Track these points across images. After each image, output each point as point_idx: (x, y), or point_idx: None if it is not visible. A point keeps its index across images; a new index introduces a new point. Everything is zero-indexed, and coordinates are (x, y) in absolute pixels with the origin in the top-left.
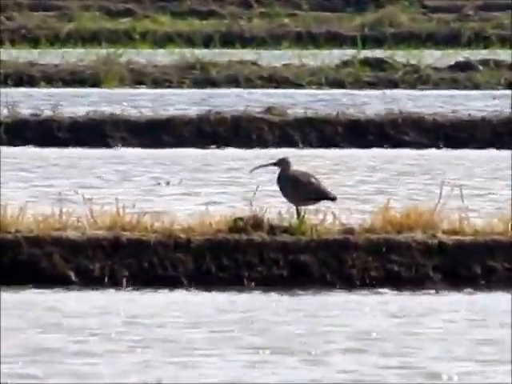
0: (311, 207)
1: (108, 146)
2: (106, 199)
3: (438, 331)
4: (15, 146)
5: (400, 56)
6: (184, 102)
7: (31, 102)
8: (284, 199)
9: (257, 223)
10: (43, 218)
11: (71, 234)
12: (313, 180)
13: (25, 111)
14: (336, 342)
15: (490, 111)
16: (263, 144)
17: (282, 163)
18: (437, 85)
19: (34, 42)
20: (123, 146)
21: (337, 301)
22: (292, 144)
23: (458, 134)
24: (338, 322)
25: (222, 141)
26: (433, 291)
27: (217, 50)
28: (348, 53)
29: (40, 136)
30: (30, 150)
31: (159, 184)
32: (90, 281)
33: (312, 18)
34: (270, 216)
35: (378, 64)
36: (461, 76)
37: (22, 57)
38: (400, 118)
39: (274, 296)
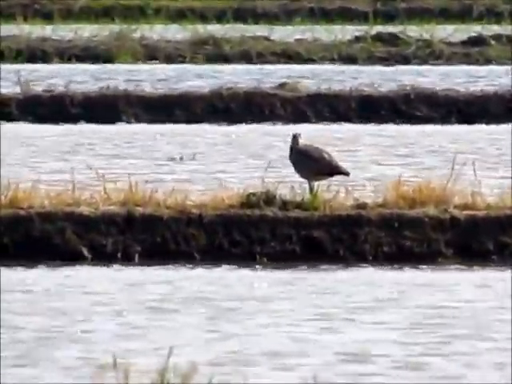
0: (324, 182)
1: (121, 121)
2: (120, 175)
3: None
4: (28, 121)
5: (412, 31)
6: (197, 78)
7: (44, 77)
8: (296, 174)
9: (269, 199)
10: (56, 193)
11: (84, 209)
12: (325, 155)
13: (37, 87)
14: None
15: (503, 86)
16: (276, 119)
17: (293, 139)
18: (449, 60)
19: (46, 18)
20: (136, 121)
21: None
22: (304, 119)
23: (471, 109)
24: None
25: (234, 116)
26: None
27: (229, 26)
28: (360, 28)
29: (53, 112)
30: (43, 126)
31: (173, 159)
32: (102, 256)
33: None
34: (283, 191)
35: (390, 39)
36: (473, 51)
37: (35, 32)
38: (412, 94)
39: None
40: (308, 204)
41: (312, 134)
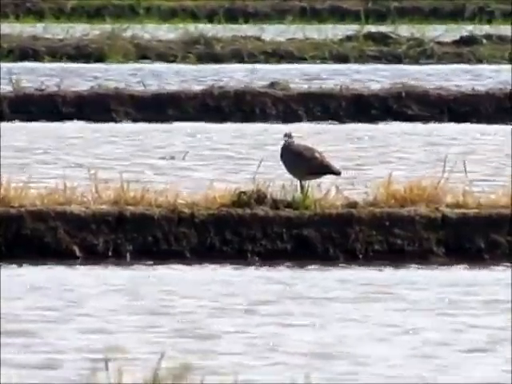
0: (315, 181)
1: (112, 120)
2: (111, 174)
3: None
4: (19, 120)
5: (404, 30)
6: (188, 77)
7: (35, 76)
8: (288, 173)
9: (260, 197)
10: (47, 192)
11: (75, 208)
12: (316, 154)
13: (29, 86)
14: None
15: (494, 85)
16: (267, 118)
17: (285, 138)
18: (441, 59)
19: (38, 16)
20: (128, 120)
21: None
22: (296, 118)
23: (462, 108)
24: None
25: (225, 115)
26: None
27: (221, 25)
28: (352, 27)
29: (44, 111)
30: (34, 125)
31: (164, 158)
32: (94, 255)
33: None
34: (274, 190)
35: (381, 38)
36: (465, 50)
37: (27, 31)
38: (404, 92)
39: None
40: (299, 203)
41: (303, 133)
